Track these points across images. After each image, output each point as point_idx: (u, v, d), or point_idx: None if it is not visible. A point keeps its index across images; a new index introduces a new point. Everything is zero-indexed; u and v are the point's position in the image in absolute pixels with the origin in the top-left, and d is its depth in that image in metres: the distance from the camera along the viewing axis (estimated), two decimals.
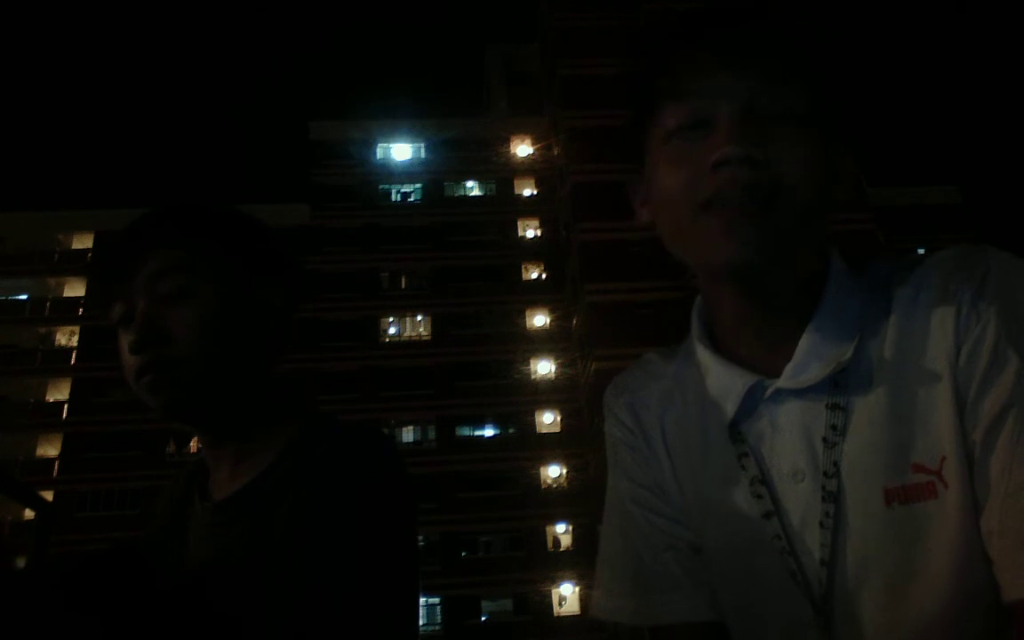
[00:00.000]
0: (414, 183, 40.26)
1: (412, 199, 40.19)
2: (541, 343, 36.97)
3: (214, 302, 0.95)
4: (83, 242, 38.22)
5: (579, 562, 32.03)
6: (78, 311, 36.60)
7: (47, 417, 34.87)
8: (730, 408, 0.82)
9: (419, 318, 37.90)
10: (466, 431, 35.76)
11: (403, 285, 38.40)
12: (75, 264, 37.67)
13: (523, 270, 38.65)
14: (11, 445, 33.22)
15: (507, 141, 41.05)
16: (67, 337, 37.07)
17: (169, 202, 1.02)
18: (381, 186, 39.88)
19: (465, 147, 40.47)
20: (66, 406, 35.07)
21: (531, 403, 35.91)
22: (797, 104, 0.73)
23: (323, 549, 0.85)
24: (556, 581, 32.75)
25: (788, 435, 0.80)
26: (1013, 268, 0.74)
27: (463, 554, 33.24)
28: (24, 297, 37.73)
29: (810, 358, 0.77)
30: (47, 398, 35.79)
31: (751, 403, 0.82)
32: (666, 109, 0.77)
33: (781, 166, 0.72)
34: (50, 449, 34.09)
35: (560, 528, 34.00)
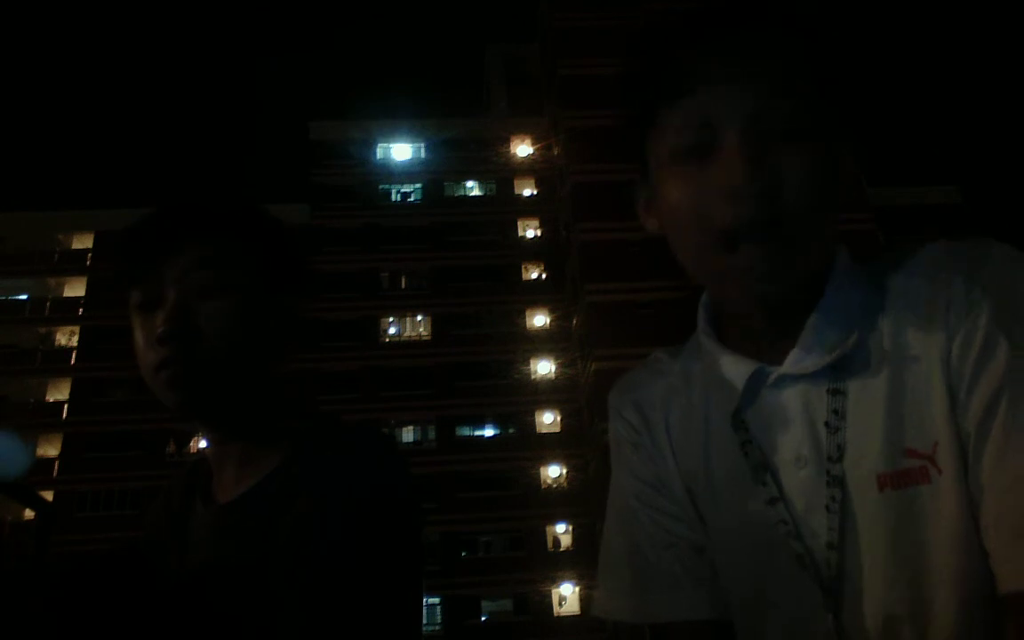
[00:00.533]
0: (414, 183, 40.26)
1: (412, 199, 40.18)
2: (541, 343, 36.97)
3: (245, 302, 0.94)
4: (83, 242, 38.22)
5: (579, 562, 32.02)
6: (78, 311, 36.60)
7: (47, 417, 34.86)
8: (733, 396, 0.83)
9: (419, 318, 37.89)
10: (466, 431, 35.75)
11: (403, 285, 38.40)
12: (75, 264, 37.68)
13: (523, 270, 38.65)
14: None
15: (507, 141, 41.04)
16: (67, 337, 37.07)
17: (198, 195, 0.99)
18: (381, 186, 39.87)
19: (465, 147, 40.46)
20: (66, 406, 35.06)
21: (531, 403, 35.90)
22: (801, 116, 0.73)
23: (329, 553, 0.85)
24: (556, 581, 32.75)
25: (791, 421, 0.80)
26: (1005, 257, 0.75)
27: (463, 554, 33.23)
28: (24, 297, 37.73)
29: (813, 345, 0.78)
30: (47, 398, 35.78)
31: (754, 391, 0.82)
32: (668, 117, 0.77)
33: (789, 187, 0.72)
34: (50, 449, 34.07)
35: (560, 528, 34.00)
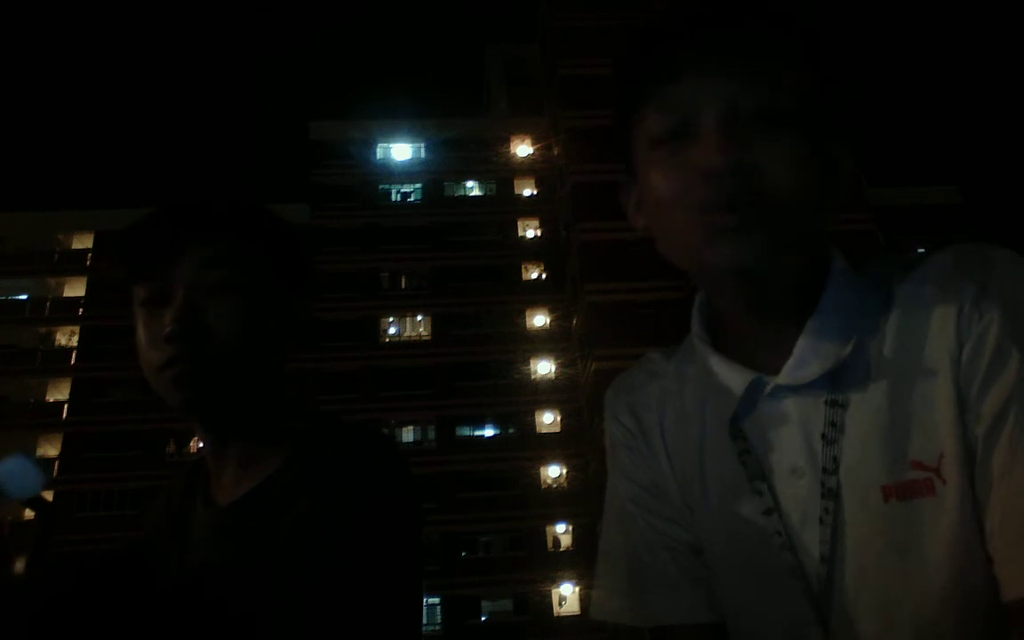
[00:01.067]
0: (414, 183, 40.24)
1: (412, 199, 40.16)
2: (541, 343, 36.95)
3: (255, 303, 0.94)
4: (83, 242, 38.21)
5: (579, 562, 32.00)
6: (78, 311, 36.59)
7: (47, 417, 34.84)
8: (729, 406, 0.82)
9: (419, 318, 37.88)
10: (466, 431, 35.74)
11: (403, 285, 38.38)
12: (75, 264, 37.66)
13: (523, 270, 38.63)
14: (11, 445, 33.19)
15: (507, 141, 41.02)
16: (67, 337, 37.05)
17: (206, 193, 0.98)
18: (381, 186, 39.85)
19: (465, 147, 40.44)
20: (66, 406, 35.04)
21: (531, 403, 35.89)
22: (782, 103, 0.73)
23: (329, 553, 0.85)
24: (556, 581, 32.74)
25: (787, 432, 0.80)
26: (1015, 266, 0.74)
27: (463, 554, 33.22)
28: (24, 297, 37.71)
29: (809, 355, 0.77)
30: (47, 398, 35.76)
31: (751, 400, 0.81)
32: (650, 111, 0.77)
33: (768, 169, 0.71)
34: (50, 449, 34.06)
35: (560, 528, 33.98)
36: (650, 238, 0.83)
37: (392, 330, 37.76)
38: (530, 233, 39.50)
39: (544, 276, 38.40)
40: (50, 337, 37.17)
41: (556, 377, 36.31)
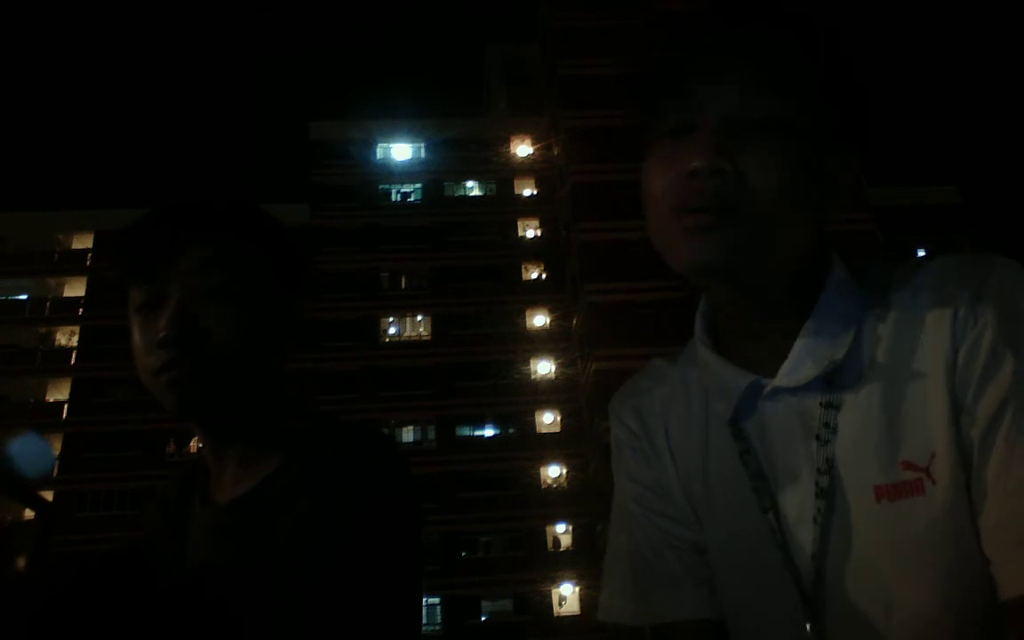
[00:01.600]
0: (414, 183, 40.26)
1: (412, 199, 40.19)
2: (541, 343, 36.97)
3: (251, 305, 0.93)
4: (83, 242, 38.23)
5: (579, 562, 32.02)
6: (78, 311, 36.61)
7: (47, 417, 34.84)
8: (729, 406, 0.84)
9: (419, 318, 37.90)
10: (466, 431, 35.76)
11: (403, 285, 38.40)
12: (75, 264, 37.68)
13: (523, 270, 38.65)
14: (11, 442, 33.19)
15: (507, 141, 41.04)
16: (67, 337, 37.07)
17: (199, 194, 0.97)
18: (381, 186, 39.87)
19: (465, 147, 40.46)
20: (66, 406, 35.06)
21: (531, 403, 35.91)
22: (780, 113, 0.74)
23: (329, 553, 0.85)
24: (556, 581, 32.75)
25: (785, 432, 0.81)
26: (1012, 272, 0.76)
27: (463, 554, 33.23)
28: (24, 297, 37.73)
29: (804, 358, 0.79)
30: (47, 398, 35.77)
31: (751, 401, 0.83)
32: (661, 113, 0.79)
33: (753, 176, 0.73)
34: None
35: (560, 528, 34.00)
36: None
37: (392, 330, 37.78)
38: (530, 233, 39.53)
39: (544, 276, 38.42)
40: (50, 337, 37.19)
41: (556, 377, 36.33)
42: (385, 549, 0.88)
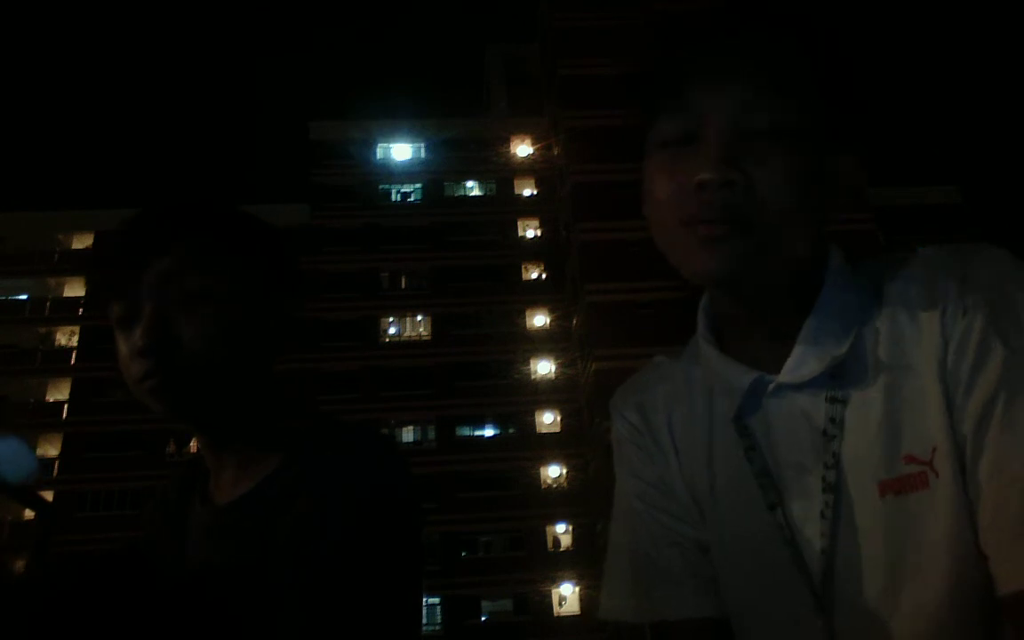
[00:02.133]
0: (414, 183, 40.26)
1: (412, 199, 40.18)
2: (541, 343, 36.97)
3: (228, 307, 0.93)
4: (83, 242, 38.21)
5: (579, 562, 32.02)
6: (78, 311, 36.60)
7: (47, 417, 34.85)
8: (732, 404, 0.84)
9: (419, 318, 37.90)
10: (466, 431, 35.75)
11: (403, 285, 38.40)
12: (75, 264, 37.64)
13: (523, 270, 38.65)
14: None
15: (507, 141, 41.04)
16: (67, 337, 37.07)
17: (175, 198, 0.97)
18: (381, 186, 39.87)
19: (465, 147, 40.46)
20: (66, 406, 35.06)
21: (531, 403, 35.90)
22: (786, 120, 0.74)
23: (329, 553, 0.85)
24: (556, 581, 32.75)
25: (790, 429, 0.81)
26: (998, 261, 0.75)
27: (463, 554, 33.23)
28: (24, 297, 37.73)
29: (807, 354, 0.79)
30: (47, 398, 35.77)
31: (754, 398, 0.83)
32: (663, 118, 0.79)
33: (763, 185, 0.73)
34: (50, 449, 34.07)
35: (560, 528, 33.99)
36: (651, 238, 0.84)
37: (392, 330, 37.77)
38: (530, 233, 39.53)
39: (544, 276, 38.41)
40: (50, 337, 37.18)
41: (556, 377, 36.33)
42: (385, 549, 0.88)
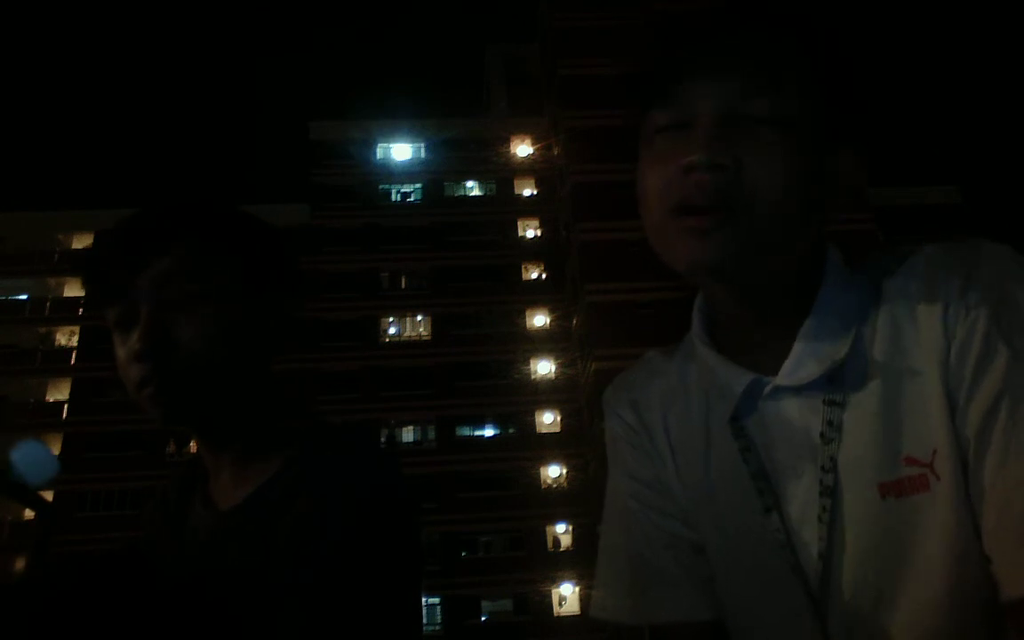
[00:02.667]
0: (414, 183, 40.25)
1: (412, 199, 40.17)
2: (541, 343, 36.96)
3: (224, 309, 0.92)
4: (83, 242, 38.18)
5: (579, 562, 32.00)
6: (78, 311, 36.57)
7: (47, 417, 34.83)
8: (729, 405, 0.83)
9: (419, 318, 37.88)
10: (466, 431, 35.74)
11: (403, 285, 38.39)
12: (75, 264, 37.58)
13: (523, 270, 38.64)
14: (11, 445, 33.12)
15: (507, 141, 41.03)
16: (67, 337, 37.05)
17: (172, 199, 0.96)
18: (381, 186, 39.86)
19: (465, 147, 40.45)
20: (66, 406, 35.04)
21: (531, 403, 35.89)
22: (779, 109, 0.73)
23: (330, 553, 0.85)
24: (556, 581, 32.74)
25: (787, 432, 0.80)
26: (1001, 258, 0.74)
27: (463, 554, 33.22)
28: (24, 297, 37.72)
29: (806, 357, 0.78)
30: (47, 398, 35.76)
31: (751, 400, 0.82)
32: (656, 111, 0.78)
33: (752, 172, 0.72)
34: (50, 449, 34.02)
35: (560, 528, 33.98)
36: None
37: (392, 330, 37.76)
38: (530, 233, 39.51)
39: (544, 276, 38.40)
40: (50, 337, 37.17)
41: (556, 377, 36.32)
42: (386, 549, 0.88)
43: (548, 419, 35.90)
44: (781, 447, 0.81)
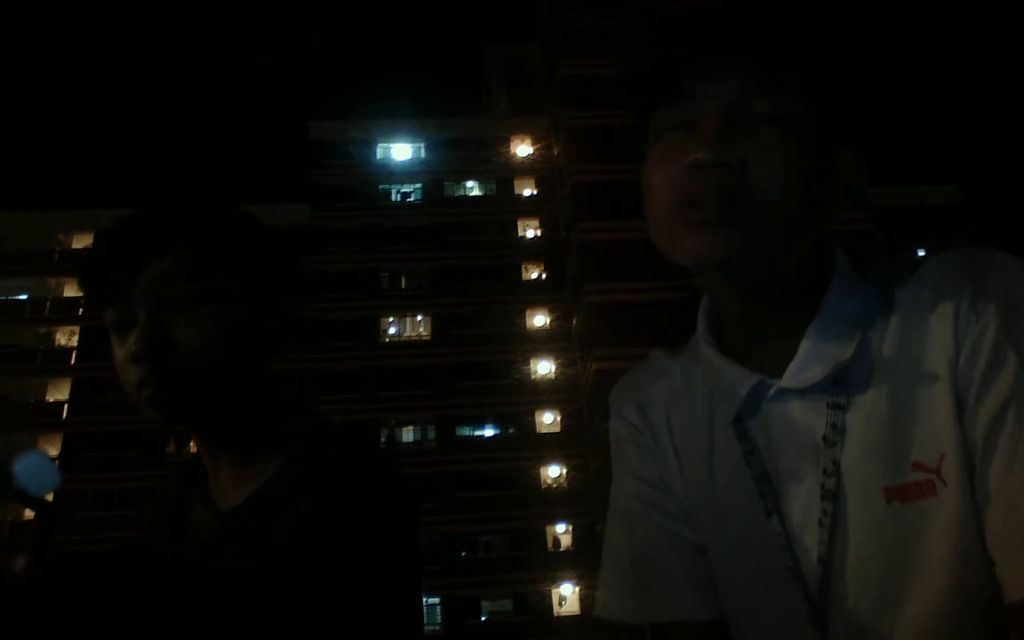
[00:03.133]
0: (414, 183, 40.27)
1: (412, 199, 40.20)
2: (541, 343, 36.97)
3: (223, 309, 0.92)
4: (83, 242, 38.18)
5: (579, 562, 32.01)
6: (78, 311, 36.57)
7: (47, 417, 34.86)
8: (733, 406, 0.83)
9: (419, 318, 37.90)
10: (466, 431, 35.76)
11: (403, 285, 38.41)
12: (75, 264, 37.60)
13: (523, 270, 38.66)
14: (11, 445, 33.21)
15: (507, 141, 41.05)
16: (67, 337, 37.07)
17: (171, 199, 0.96)
18: (381, 186, 39.88)
19: (465, 147, 40.47)
20: (66, 406, 35.06)
21: (531, 403, 35.90)
22: (783, 108, 0.73)
23: (331, 553, 0.85)
24: (556, 581, 32.75)
25: (790, 434, 0.80)
26: (1012, 268, 0.75)
27: (463, 554, 33.23)
28: (24, 297, 37.73)
29: (811, 358, 0.78)
30: (47, 398, 35.78)
31: (755, 401, 0.82)
32: (661, 108, 0.78)
33: (757, 169, 0.72)
34: (50, 449, 34.05)
35: (560, 528, 34.00)
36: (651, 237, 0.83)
37: (392, 330, 37.78)
38: (530, 233, 39.53)
39: (544, 276, 38.42)
40: (50, 337, 37.19)
41: (556, 377, 36.33)
42: (386, 549, 0.88)
43: (548, 419, 35.91)
44: (784, 449, 0.81)
